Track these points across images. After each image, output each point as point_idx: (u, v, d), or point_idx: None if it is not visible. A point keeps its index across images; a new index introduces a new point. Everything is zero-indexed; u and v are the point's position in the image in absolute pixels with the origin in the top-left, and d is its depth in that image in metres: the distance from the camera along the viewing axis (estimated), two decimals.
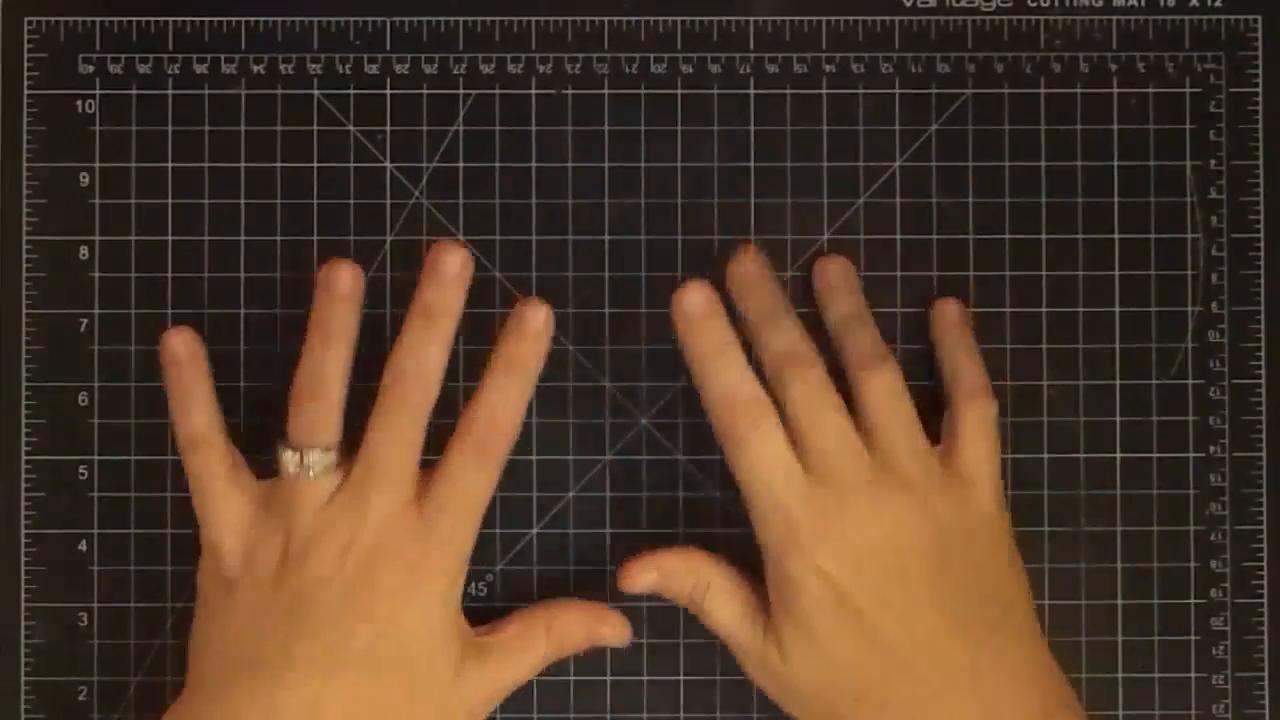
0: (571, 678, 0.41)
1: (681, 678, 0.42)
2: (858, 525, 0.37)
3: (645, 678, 0.42)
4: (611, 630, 0.39)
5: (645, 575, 0.39)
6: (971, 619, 0.37)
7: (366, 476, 0.37)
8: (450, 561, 0.37)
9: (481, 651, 0.38)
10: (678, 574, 0.39)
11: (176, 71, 0.42)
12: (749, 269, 0.39)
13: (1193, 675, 0.42)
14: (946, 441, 0.39)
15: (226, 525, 0.38)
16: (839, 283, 0.41)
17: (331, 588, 0.36)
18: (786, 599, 0.37)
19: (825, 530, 0.37)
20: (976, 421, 0.39)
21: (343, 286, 0.38)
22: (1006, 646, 0.37)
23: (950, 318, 0.41)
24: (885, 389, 0.38)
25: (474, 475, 0.38)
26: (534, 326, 0.38)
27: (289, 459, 0.37)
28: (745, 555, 0.41)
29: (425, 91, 0.42)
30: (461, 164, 0.42)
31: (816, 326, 0.41)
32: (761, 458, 0.37)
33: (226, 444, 0.38)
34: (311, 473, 0.37)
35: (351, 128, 0.42)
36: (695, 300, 0.38)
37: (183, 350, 0.38)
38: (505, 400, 0.38)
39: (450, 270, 0.38)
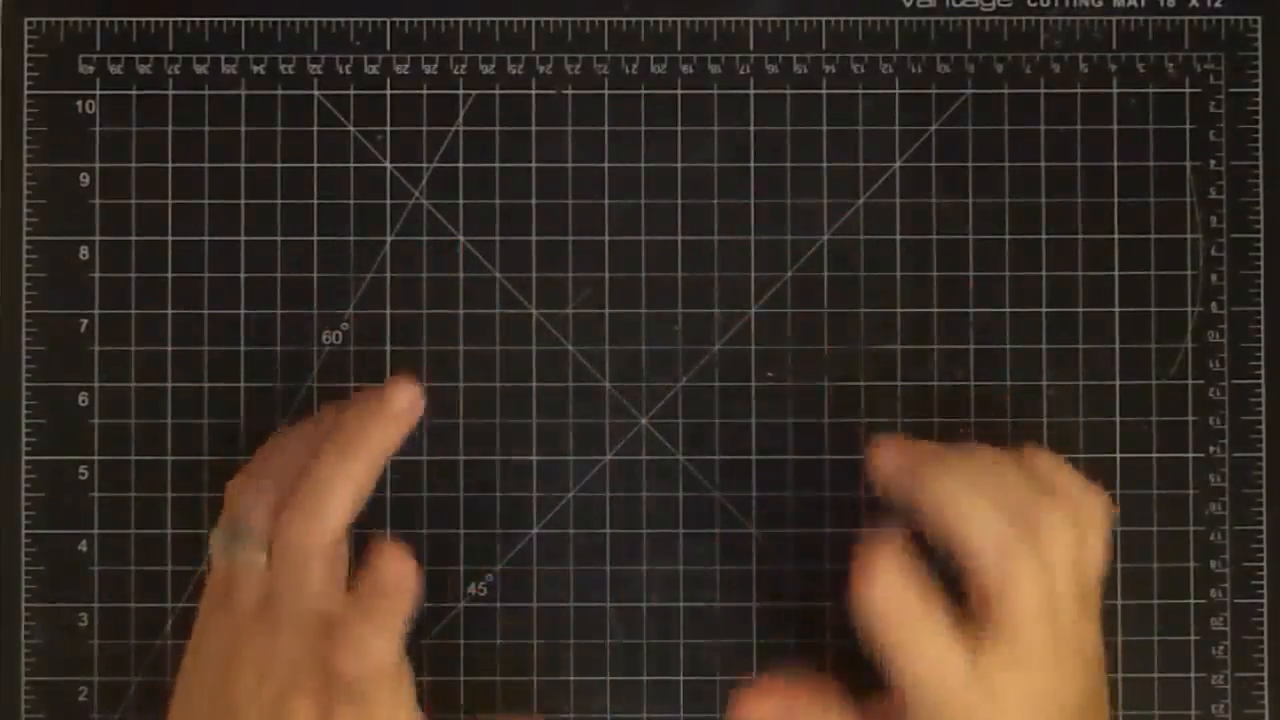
0: (571, 678, 0.42)
1: (681, 678, 0.42)
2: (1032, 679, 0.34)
3: (645, 678, 0.42)
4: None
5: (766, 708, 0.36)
6: None
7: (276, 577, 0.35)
8: None
9: None
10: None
11: (176, 71, 0.42)
12: (890, 465, 0.36)
13: (1192, 675, 0.42)
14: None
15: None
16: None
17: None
18: None
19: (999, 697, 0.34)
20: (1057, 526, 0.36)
21: (402, 411, 0.36)
22: None
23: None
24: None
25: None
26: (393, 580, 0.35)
27: (216, 539, 0.36)
28: (744, 558, 0.41)
29: (425, 92, 0.42)
30: (461, 164, 0.42)
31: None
32: (931, 658, 0.34)
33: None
34: (237, 562, 0.35)
35: (351, 128, 0.42)
36: (892, 574, 0.34)
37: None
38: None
39: (402, 410, 0.36)
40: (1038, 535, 0.34)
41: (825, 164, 0.42)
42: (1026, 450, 0.37)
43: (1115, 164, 0.42)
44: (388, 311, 0.42)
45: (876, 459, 0.36)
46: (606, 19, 0.42)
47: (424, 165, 0.42)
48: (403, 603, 0.34)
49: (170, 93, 0.42)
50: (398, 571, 0.34)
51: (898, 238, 0.42)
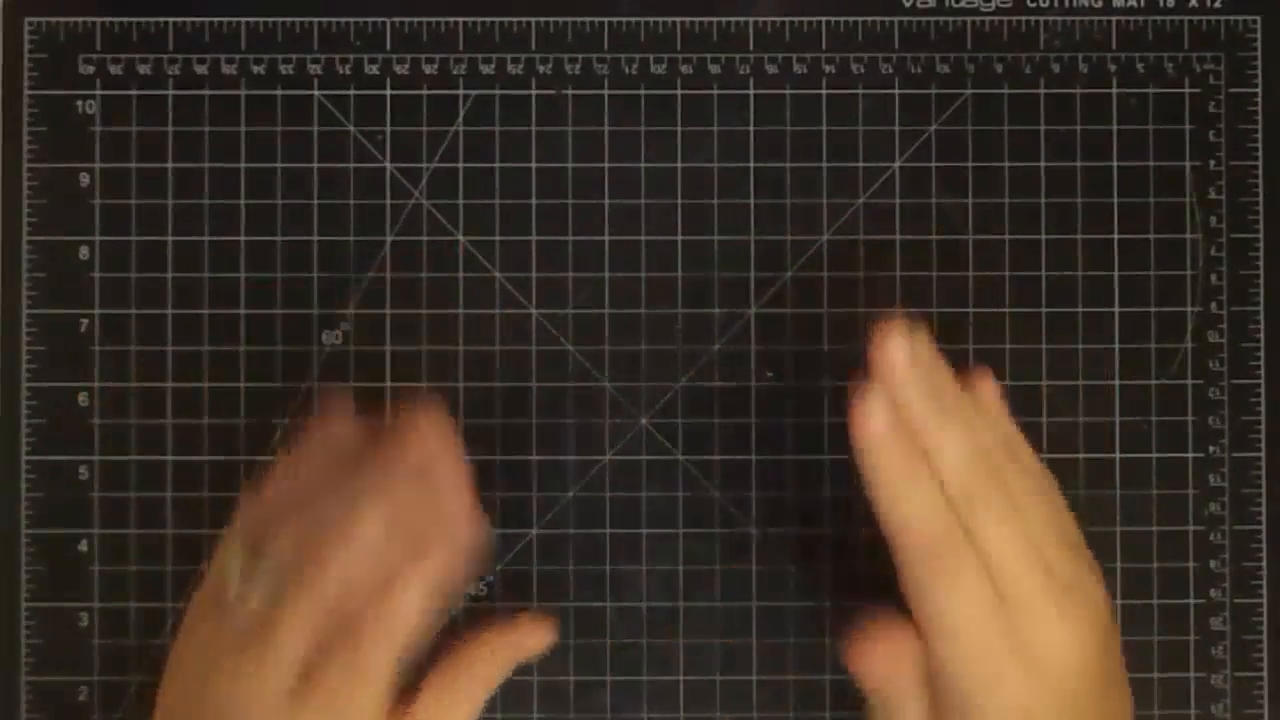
0: (571, 678, 0.42)
1: (681, 678, 0.42)
2: (1051, 655, 0.35)
3: (645, 678, 0.42)
4: (534, 640, 0.36)
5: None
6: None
7: (259, 652, 0.34)
8: None
9: None
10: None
11: (176, 72, 0.42)
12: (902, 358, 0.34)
13: (1192, 675, 0.42)
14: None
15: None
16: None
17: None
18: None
19: (1030, 669, 0.34)
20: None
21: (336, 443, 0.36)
22: None
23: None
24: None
25: (352, 677, 0.34)
26: (458, 541, 0.35)
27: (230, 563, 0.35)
28: (744, 558, 0.41)
29: (425, 92, 0.42)
30: (461, 164, 0.42)
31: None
32: (965, 593, 0.34)
33: None
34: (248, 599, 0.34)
35: (351, 128, 0.42)
36: (880, 424, 0.34)
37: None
38: (404, 605, 0.34)
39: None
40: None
41: (825, 164, 0.42)
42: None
43: (1115, 164, 0.42)
44: (388, 311, 0.42)
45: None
46: (606, 19, 0.42)
47: (424, 165, 0.42)
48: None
49: (170, 93, 0.42)
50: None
51: (898, 238, 0.42)
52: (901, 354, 0.34)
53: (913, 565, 0.34)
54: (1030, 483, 0.36)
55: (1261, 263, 0.42)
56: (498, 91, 0.42)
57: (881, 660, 0.35)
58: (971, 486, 0.34)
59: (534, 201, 0.42)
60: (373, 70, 0.42)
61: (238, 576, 0.35)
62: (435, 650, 0.36)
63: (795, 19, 0.42)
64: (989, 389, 0.37)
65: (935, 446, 0.34)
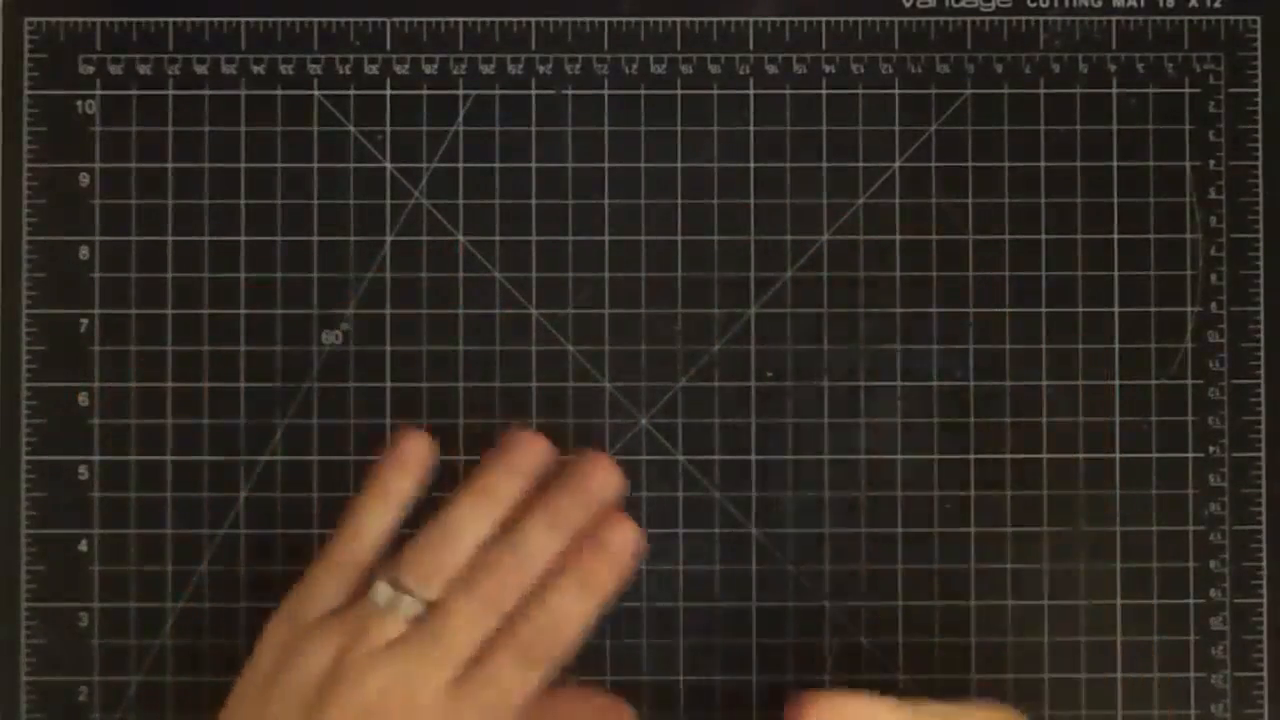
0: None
1: (681, 678, 0.42)
2: None
3: (645, 678, 0.42)
4: None
5: None
6: None
7: (422, 642, 0.35)
8: None
9: None
10: None
11: (176, 72, 0.42)
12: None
13: (1192, 675, 0.42)
14: None
15: (310, 606, 0.36)
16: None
17: None
18: None
19: None
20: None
21: (527, 463, 0.37)
22: None
23: None
24: None
25: (515, 677, 0.35)
26: (622, 554, 0.37)
27: (383, 592, 0.36)
28: (744, 558, 0.41)
29: (425, 92, 0.42)
30: (461, 164, 0.42)
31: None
32: None
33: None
34: (394, 616, 0.35)
35: (351, 128, 0.42)
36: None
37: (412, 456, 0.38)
38: (570, 613, 0.36)
39: (601, 483, 0.37)
40: None
41: (825, 164, 0.42)
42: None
43: (1115, 164, 0.42)
44: (388, 311, 0.42)
45: None
46: (606, 19, 0.42)
47: (424, 165, 0.42)
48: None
49: (170, 93, 0.42)
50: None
51: (898, 238, 0.42)
52: None
53: None
54: None
55: (1261, 263, 0.42)
56: (498, 91, 0.42)
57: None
58: None
59: (534, 201, 0.42)
60: (373, 70, 0.42)
61: (390, 596, 0.36)
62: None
63: (795, 19, 0.42)
64: None
65: None
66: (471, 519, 0.36)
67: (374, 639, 0.35)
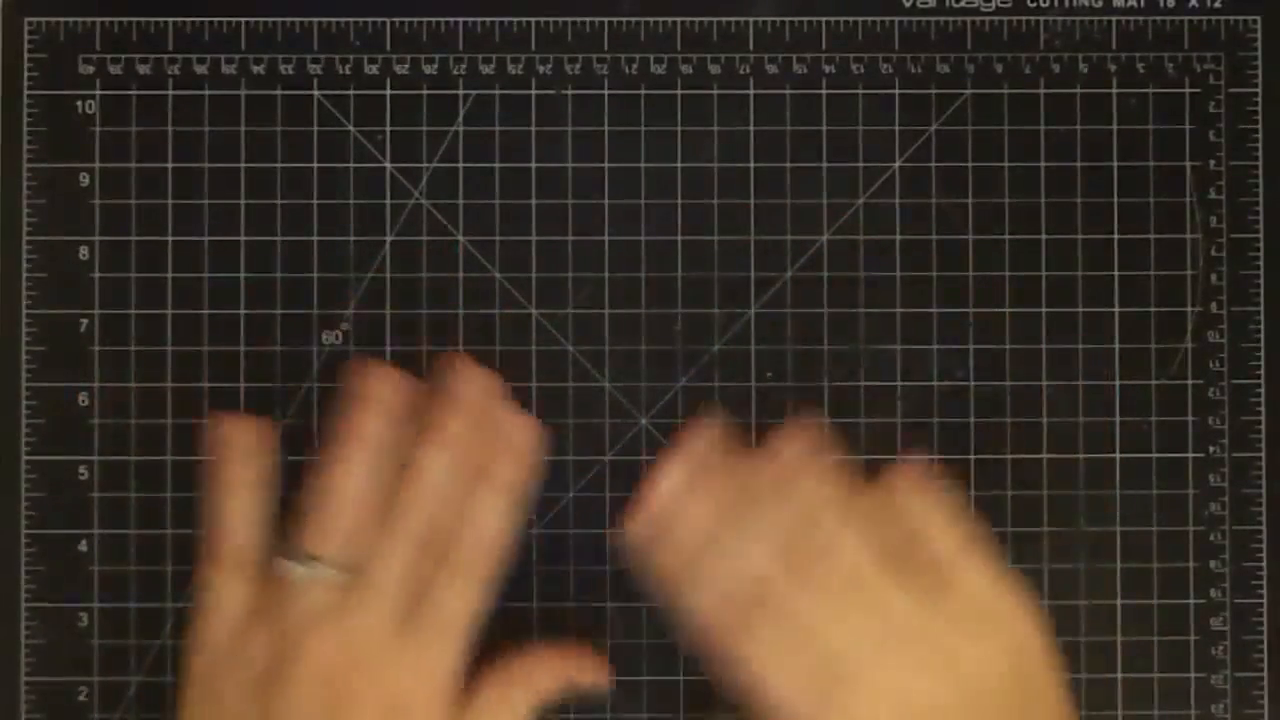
0: None
1: (681, 678, 0.42)
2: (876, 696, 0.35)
3: (645, 678, 0.42)
4: (591, 677, 0.39)
5: None
6: None
7: (360, 595, 0.36)
8: (435, 687, 0.36)
9: None
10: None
11: (176, 72, 0.42)
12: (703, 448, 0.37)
13: (1192, 675, 0.42)
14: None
15: (226, 614, 0.37)
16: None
17: (312, 710, 0.35)
18: None
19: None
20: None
21: (386, 398, 0.37)
22: None
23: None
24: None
25: (454, 594, 0.36)
26: (524, 448, 0.38)
27: (295, 569, 0.36)
28: None
29: (425, 92, 0.42)
30: (461, 164, 0.42)
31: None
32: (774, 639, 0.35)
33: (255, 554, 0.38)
34: (313, 586, 0.36)
35: (351, 128, 0.42)
36: (639, 526, 0.37)
37: (239, 441, 0.38)
38: (490, 517, 0.37)
39: (470, 398, 0.37)
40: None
41: (825, 164, 0.42)
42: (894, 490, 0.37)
43: (1115, 164, 0.42)
44: (388, 311, 0.42)
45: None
46: (606, 19, 0.42)
47: (424, 165, 0.42)
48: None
49: (170, 93, 0.42)
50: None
51: (898, 238, 0.42)
52: (670, 488, 0.37)
53: (718, 646, 0.36)
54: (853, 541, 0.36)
55: (1261, 263, 0.42)
56: (498, 91, 0.42)
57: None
58: (774, 565, 0.36)
59: (534, 201, 0.42)
60: (373, 70, 0.42)
61: (302, 570, 0.36)
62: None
63: (795, 19, 0.42)
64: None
65: (728, 543, 0.36)
66: (348, 469, 0.37)
67: (305, 614, 0.36)
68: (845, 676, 0.35)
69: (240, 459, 0.38)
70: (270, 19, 0.42)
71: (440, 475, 0.37)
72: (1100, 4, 0.42)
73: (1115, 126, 0.42)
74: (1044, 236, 0.42)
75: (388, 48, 0.42)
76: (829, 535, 0.36)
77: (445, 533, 0.37)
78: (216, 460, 0.38)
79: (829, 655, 0.35)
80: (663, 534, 0.37)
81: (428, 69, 0.42)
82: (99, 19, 0.42)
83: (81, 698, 0.41)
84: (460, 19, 0.42)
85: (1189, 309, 0.42)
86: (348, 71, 0.42)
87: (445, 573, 0.36)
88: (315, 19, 0.42)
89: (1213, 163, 0.42)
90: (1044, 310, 0.42)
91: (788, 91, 0.42)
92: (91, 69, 0.42)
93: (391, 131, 0.42)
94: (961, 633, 0.35)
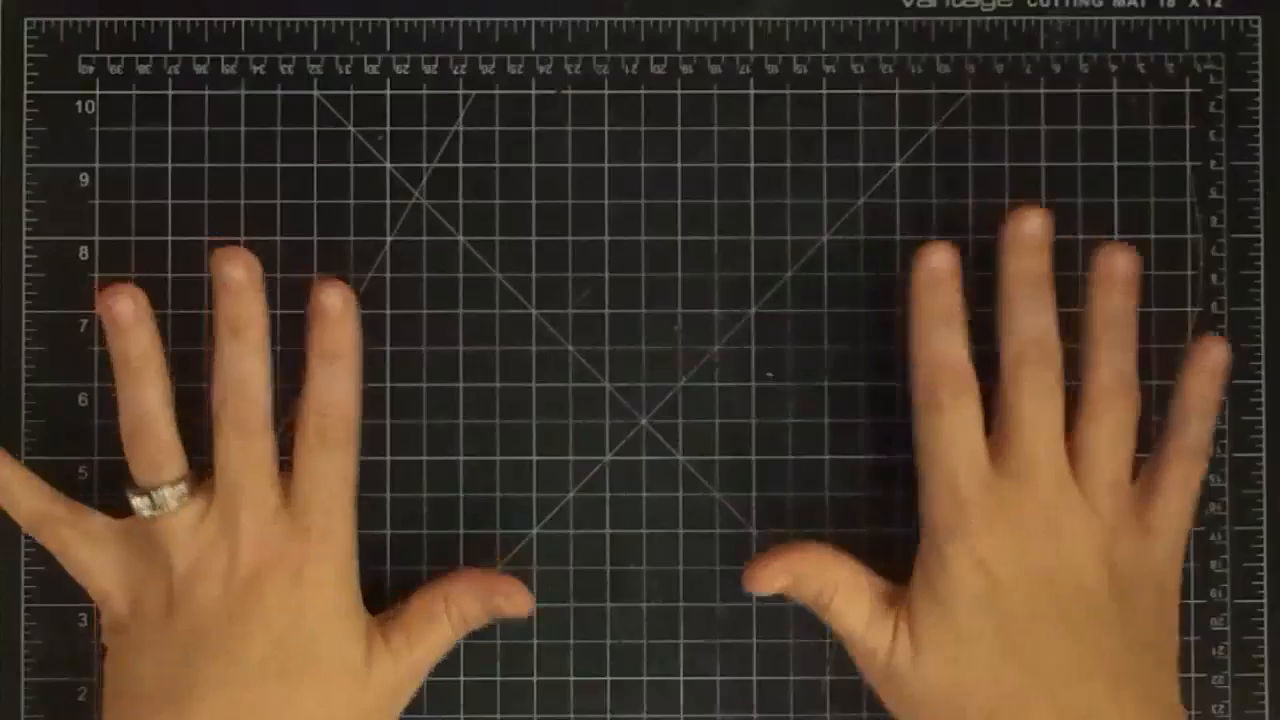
0: (571, 678, 0.42)
1: (681, 678, 0.42)
2: (1033, 532, 0.36)
3: (645, 678, 0.42)
4: (507, 601, 0.38)
5: (778, 579, 0.38)
6: (1123, 666, 0.36)
7: (228, 498, 0.37)
8: (332, 549, 0.37)
9: (388, 635, 0.38)
10: (809, 577, 0.38)
11: (176, 72, 0.42)
12: (1035, 231, 0.38)
13: (1193, 675, 0.42)
14: (1145, 487, 0.38)
15: (106, 578, 0.38)
16: (1124, 278, 0.38)
17: (221, 608, 0.36)
18: (935, 583, 0.36)
19: (997, 521, 0.36)
20: (1183, 481, 0.38)
21: (126, 316, 0.37)
22: (1150, 702, 0.36)
23: (1211, 366, 0.38)
24: (1119, 421, 0.37)
25: (323, 464, 0.37)
26: (333, 312, 0.38)
27: (140, 503, 0.37)
28: (744, 558, 0.41)
29: (425, 92, 0.42)
30: (461, 164, 0.42)
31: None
32: (953, 428, 0.36)
33: (67, 507, 0.38)
34: (167, 509, 0.37)
35: (351, 128, 0.42)
36: (942, 260, 0.37)
37: None
38: (330, 385, 0.38)
39: (237, 280, 0.37)
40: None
41: (825, 164, 0.42)
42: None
43: (1115, 164, 0.42)
44: (388, 311, 0.42)
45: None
46: (606, 19, 0.42)
47: (424, 165, 0.42)
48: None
49: (170, 93, 0.42)
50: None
51: (898, 238, 0.42)
52: (1037, 228, 0.38)
53: (916, 402, 0.37)
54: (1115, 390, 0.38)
55: (1262, 263, 0.42)
56: (498, 91, 0.42)
57: (774, 571, 0.38)
58: (1022, 361, 0.37)
59: (534, 201, 0.42)
60: (373, 70, 0.42)
61: (146, 506, 0.37)
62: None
63: (795, 19, 0.42)
64: (1126, 263, 0.38)
65: (1010, 314, 0.38)
66: (135, 395, 0.37)
67: (176, 537, 0.37)
68: (1015, 489, 0.37)
69: None
70: (270, 19, 0.42)
71: (248, 358, 0.37)
72: (1100, 4, 0.42)
73: (1115, 126, 0.42)
74: None
75: (388, 48, 0.42)
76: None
77: (295, 408, 0.38)
78: None
79: (1013, 467, 0.37)
80: None
81: (428, 69, 0.42)
82: (99, 19, 0.42)
83: (81, 698, 0.41)
84: (460, 19, 0.42)
85: (1189, 309, 0.42)
86: (348, 71, 0.42)
87: (308, 445, 0.37)
88: (315, 19, 0.42)
89: (1213, 163, 0.42)
90: None
91: (788, 91, 0.42)
92: (91, 69, 0.42)
93: (391, 131, 0.42)
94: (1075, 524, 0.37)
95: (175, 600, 0.36)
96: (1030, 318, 0.37)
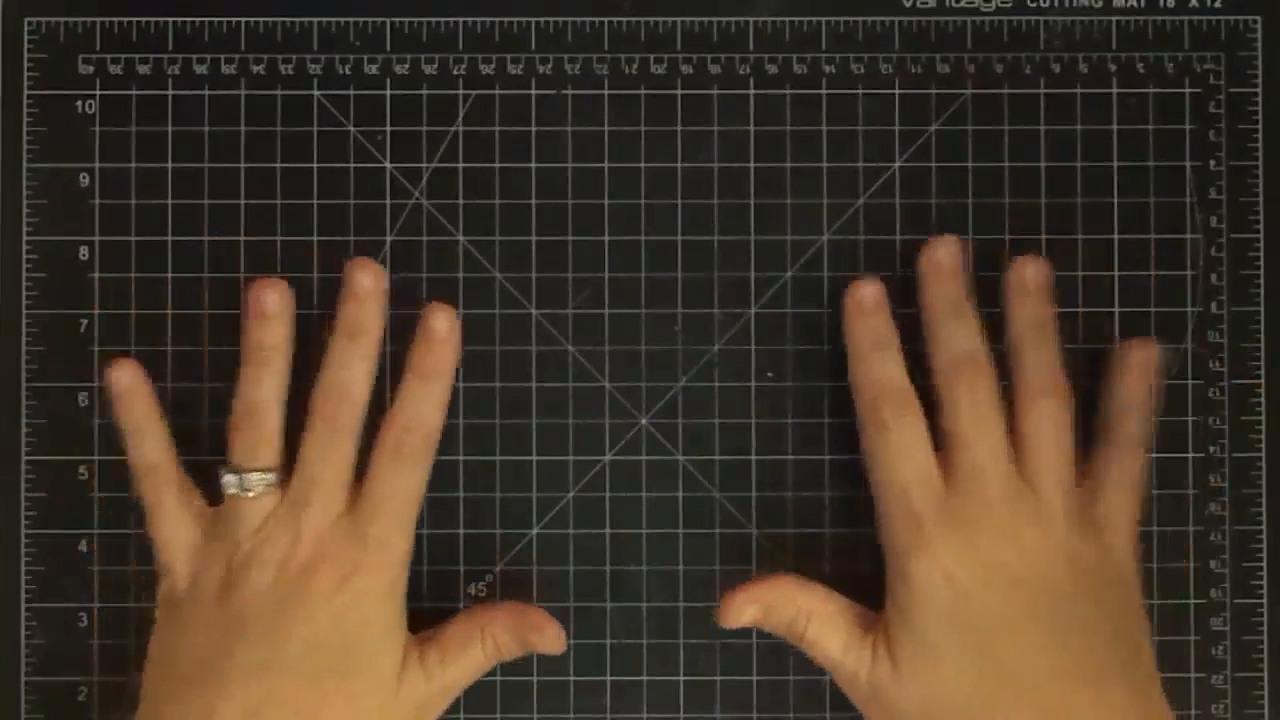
0: (571, 678, 0.42)
1: (681, 678, 0.42)
2: (991, 540, 0.37)
3: (645, 678, 0.42)
4: (541, 638, 0.39)
5: (746, 611, 0.39)
6: (1096, 665, 0.36)
7: (300, 491, 0.38)
8: (387, 561, 0.38)
9: (423, 653, 0.38)
10: (778, 607, 0.39)
11: (176, 72, 0.42)
12: (943, 258, 0.39)
13: (1192, 675, 0.42)
14: (1090, 485, 0.39)
15: (178, 548, 0.39)
16: (1036, 287, 0.40)
17: (270, 597, 0.37)
18: (904, 605, 0.37)
19: (954, 533, 0.37)
20: (1123, 476, 0.39)
21: (272, 307, 0.39)
22: (1129, 698, 0.36)
23: (1138, 365, 0.40)
24: (1053, 420, 0.38)
25: (398, 478, 0.38)
26: (440, 334, 0.39)
27: (230, 479, 0.38)
28: (744, 558, 0.41)
29: (425, 92, 0.42)
30: (461, 164, 0.42)
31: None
32: (899, 445, 0.38)
33: (178, 471, 0.39)
34: (251, 494, 0.38)
35: (351, 128, 0.42)
36: (869, 293, 0.39)
37: (127, 382, 0.39)
38: (421, 403, 0.39)
39: (364, 287, 0.39)
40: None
41: (825, 164, 0.42)
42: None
43: (1115, 164, 0.42)
44: (388, 311, 0.42)
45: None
46: (606, 19, 0.42)
47: (424, 165, 0.42)
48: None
49: (170, 93, 0.42)
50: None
51: (898, 238, 0.42)
52: (948, 254, 0.40)
53: (862, 424, 0.39)
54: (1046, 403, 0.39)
55: (1261, 263, 0.42)
56: (498, 91, 0.42)
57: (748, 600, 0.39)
58: (955, 374, 0.38)
59: (534, 201, 0.42)
60: (373, 70, 0.42)
61: (232, 484, 0.38)
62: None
63: (795, 19, 0.42)
64: (1035, 272, 0.40)
65: (936, 336, 0.39)
66: (256, 381, 0.39)
67: (250, 520, 0.38)
68: (968, 498, 0.38)
69: (130, 403, 0.40)
70: (270, 19, 0.42)
71: (354, 365, 0.38)
72: (1100, 4, 0.42)
73: (1115, 126, 0.42)
74: (1044, 237, 0.42)
75: (388, 48, 0.42)
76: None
77: (382, 419, 0.39)
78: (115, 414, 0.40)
79: (964, 481, 0.38)
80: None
81: (428, 69, 0.42)
82: (99, 19, 0.42)
83: (81, 698, 0.41)
84: (460, 19, 0.42)
85: (1189, 309, 0.42)
86: (348, 71, 0.42)
87: (386, 457, 0.38)
88: (315, 19, 0.42)
89: (1213, 163, 0.42)
90: None
91: (788, 91, 0.42)
92: (91, 69, 0.42)
93: (391, 131, 0.42)
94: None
95: (230, 583, 0.37)
96: (956, 335, 0.39)
